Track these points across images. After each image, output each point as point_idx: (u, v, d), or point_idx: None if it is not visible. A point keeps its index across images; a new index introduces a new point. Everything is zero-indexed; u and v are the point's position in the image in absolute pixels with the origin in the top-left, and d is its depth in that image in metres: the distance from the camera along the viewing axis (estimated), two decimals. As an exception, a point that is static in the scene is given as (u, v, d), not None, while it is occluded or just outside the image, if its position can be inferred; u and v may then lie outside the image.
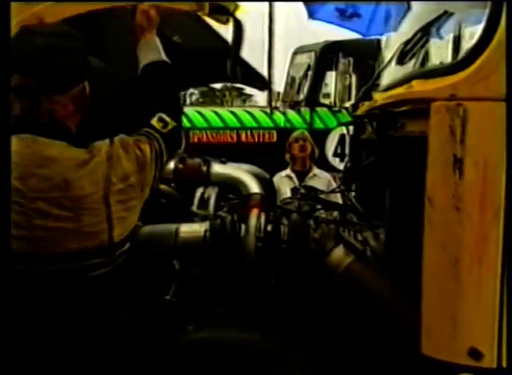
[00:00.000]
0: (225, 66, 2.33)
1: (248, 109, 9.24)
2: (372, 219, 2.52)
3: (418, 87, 1.96)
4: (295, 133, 5.65)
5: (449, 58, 2.19)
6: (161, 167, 1.80)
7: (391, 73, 2.65)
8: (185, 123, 8.48)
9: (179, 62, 1.96)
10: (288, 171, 5.41)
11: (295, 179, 5.32)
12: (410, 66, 2.41)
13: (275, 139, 8.56)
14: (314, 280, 2.38)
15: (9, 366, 1.47)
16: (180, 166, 2.64)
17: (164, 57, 2.00)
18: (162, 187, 2.81)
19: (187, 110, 8.93)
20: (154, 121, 1.81)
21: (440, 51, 2.34)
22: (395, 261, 2.20)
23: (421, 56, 2.37)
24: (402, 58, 2.47)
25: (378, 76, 2.84)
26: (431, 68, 2.28)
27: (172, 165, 2.63)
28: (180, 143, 2.09)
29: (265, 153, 7.83)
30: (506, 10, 1.72)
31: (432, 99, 1.80)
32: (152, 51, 1.99)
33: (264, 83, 2.96)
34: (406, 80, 2.13)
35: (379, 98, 2.44)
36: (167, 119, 1.83)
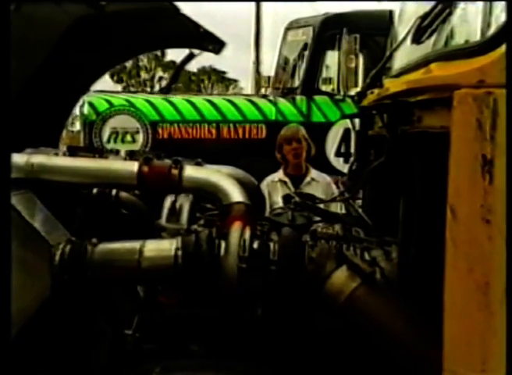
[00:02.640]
0: (166, 28, 2.32)
1: (230, 98, 9.24)
2: (382, 234, 2.52)
3: (439, 71, 1.97)
4: (286, 131, 5.57)
5: (476, 36, 2.20)
6: None
7: (406, 54, 2.67)
8: (152, 114, 8.48)
9: (106, 28, 1.92)
10: (281, 174, 5.39)
11: (290, 184, 5.30)
12: (429, 45, 2.42)
13: (263, 135, 8.59)
14: (310, 310, 2.38)
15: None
16: (145, 168, 2.61)
17: None
18: (123, 195, 2.81)
19: (154, 99, 8.92)
20: None
21: (466, 27, 2.35)
22: (410, 286, 2.20)
23: (442, 33, 2.39)
24: (419, 35, 2.48)
25: (390, 58, 2.85)
26: (454, 48, 2.29)
27: (135, 167, 2.59)
28: None
29: (252, 152, 7.86)
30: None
31: (455, 86, 1.80)
32: None
33: (219, 44, 2.93)
34: (424, 63, 2.14)
35: (391, 84, 2.45)
36: None
